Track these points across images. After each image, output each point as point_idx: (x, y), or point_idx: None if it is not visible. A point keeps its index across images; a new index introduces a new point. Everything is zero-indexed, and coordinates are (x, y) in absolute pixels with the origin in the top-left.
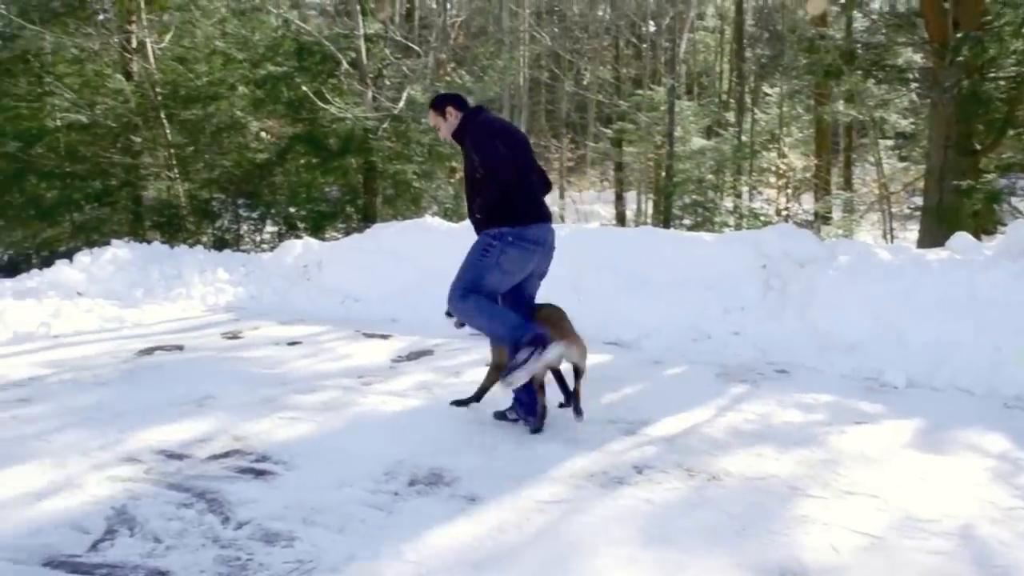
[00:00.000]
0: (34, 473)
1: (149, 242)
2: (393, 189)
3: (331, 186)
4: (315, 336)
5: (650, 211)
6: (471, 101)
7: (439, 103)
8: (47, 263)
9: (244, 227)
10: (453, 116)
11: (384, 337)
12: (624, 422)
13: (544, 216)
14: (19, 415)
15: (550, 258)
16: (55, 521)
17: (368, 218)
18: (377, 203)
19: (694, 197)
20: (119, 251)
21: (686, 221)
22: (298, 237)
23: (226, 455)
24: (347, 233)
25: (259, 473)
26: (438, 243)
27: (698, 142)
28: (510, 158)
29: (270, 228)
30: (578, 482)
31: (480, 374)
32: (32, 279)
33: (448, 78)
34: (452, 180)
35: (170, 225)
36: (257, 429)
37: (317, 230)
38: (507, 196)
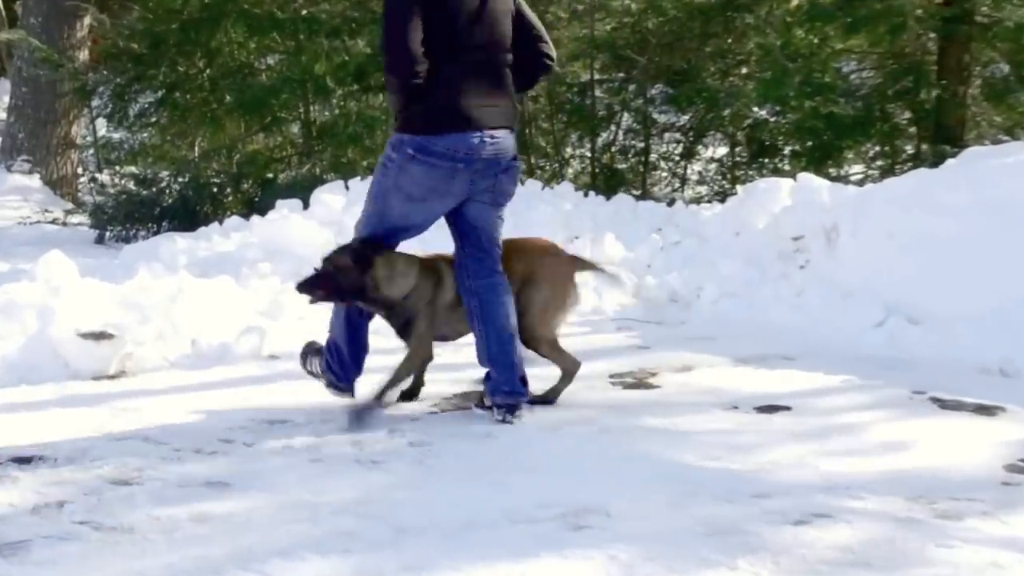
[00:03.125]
0: None
1: None
2: (1013, 64)
3: (856, 56)
4: (820, 395)
5: None
6: None
7: None
8: (255, 206)
9: (655, 139)
10: None
11: (987, 411)
12: None
13: (472, 121)
14: (212, 514)
15: (498, 178)
16: None
17: (944, 135)
18: (968, 99)
19: None
20: None
21: None
22: (776, 171)
23: None
24: (889, 168)
25: None
26: None
27: None
28: (410, 44)
29: (709, 149)
30: None
31: None
32: (226, 237)
33: None
34: None
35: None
36: None
37: (821, 159)
38: (417, 90)
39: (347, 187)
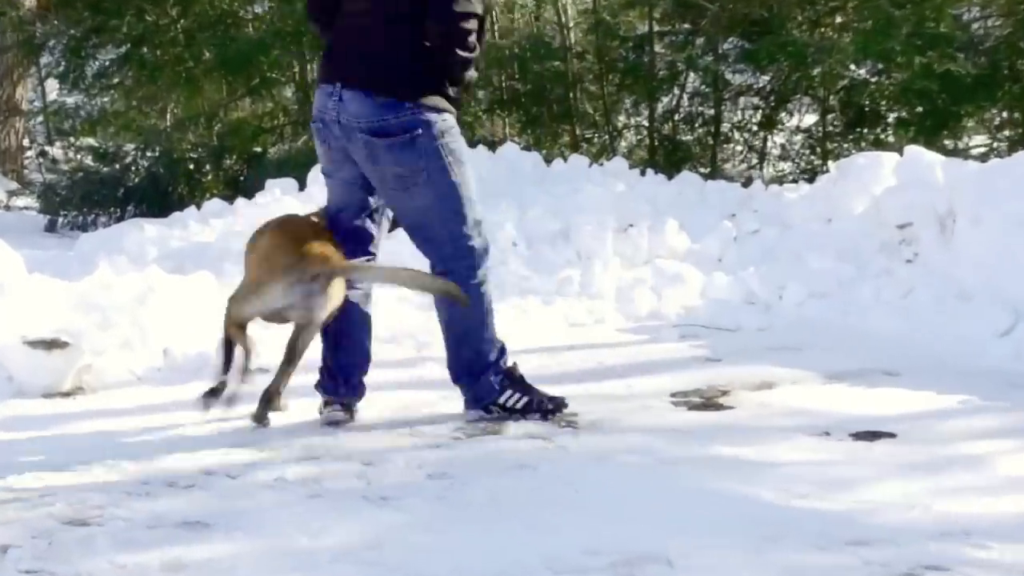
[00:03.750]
0: None
1: (494, 142)
2: None
3: (978, 1)
4: (931, 419)
5: None
6: None
7: None
8: (240, 187)
9: (728, 105)
10: None
11: None
12: None
13: (328, 73)
14: (188, 560)
15: (364, 150)
16: None
17: None
18: None
19: None
20: None
21: None
22: (878, 144)
23: None
24: (1019, 140)
25: None
26: None
27: None
28: None
29: (795, 117)
30: None
31: None
32: (205, 224)
33: None
34: None
35: (537, 99)
36: None
37: (934, 128)
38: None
39: None
